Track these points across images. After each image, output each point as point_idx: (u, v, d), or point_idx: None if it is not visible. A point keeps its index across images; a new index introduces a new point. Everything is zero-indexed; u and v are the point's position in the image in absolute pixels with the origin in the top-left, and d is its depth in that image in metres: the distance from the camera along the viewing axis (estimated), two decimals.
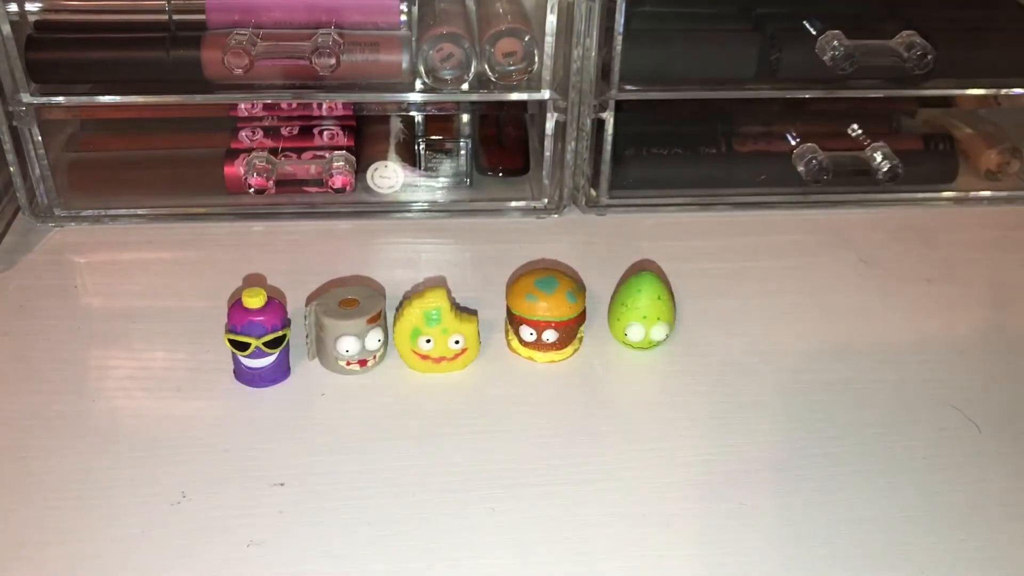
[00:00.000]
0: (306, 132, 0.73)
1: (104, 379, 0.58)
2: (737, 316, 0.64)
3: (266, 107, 0.72)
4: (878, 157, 0.73)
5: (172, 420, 0.55)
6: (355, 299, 0.58)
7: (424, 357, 0.58)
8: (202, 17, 0.67)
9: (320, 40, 0.65)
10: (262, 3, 0.67)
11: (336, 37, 0.66)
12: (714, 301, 0.65)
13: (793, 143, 0.75)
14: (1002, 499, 0.51)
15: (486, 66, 0.68)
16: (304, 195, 0.73)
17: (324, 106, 0.70)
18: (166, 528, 0.48)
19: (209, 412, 0.55)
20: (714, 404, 0.57)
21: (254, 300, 0.55)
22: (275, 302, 0.56)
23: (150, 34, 0.67)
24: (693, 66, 0.71)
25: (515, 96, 0.70)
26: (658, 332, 0.60)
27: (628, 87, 0.70)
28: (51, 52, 0.67)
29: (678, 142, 0.76)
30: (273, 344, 0.56)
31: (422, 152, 0.75)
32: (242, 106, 0.71)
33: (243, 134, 0.73)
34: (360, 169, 0.73)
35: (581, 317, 0.59)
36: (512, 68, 0.68)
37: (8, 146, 0.68)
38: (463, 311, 0.59)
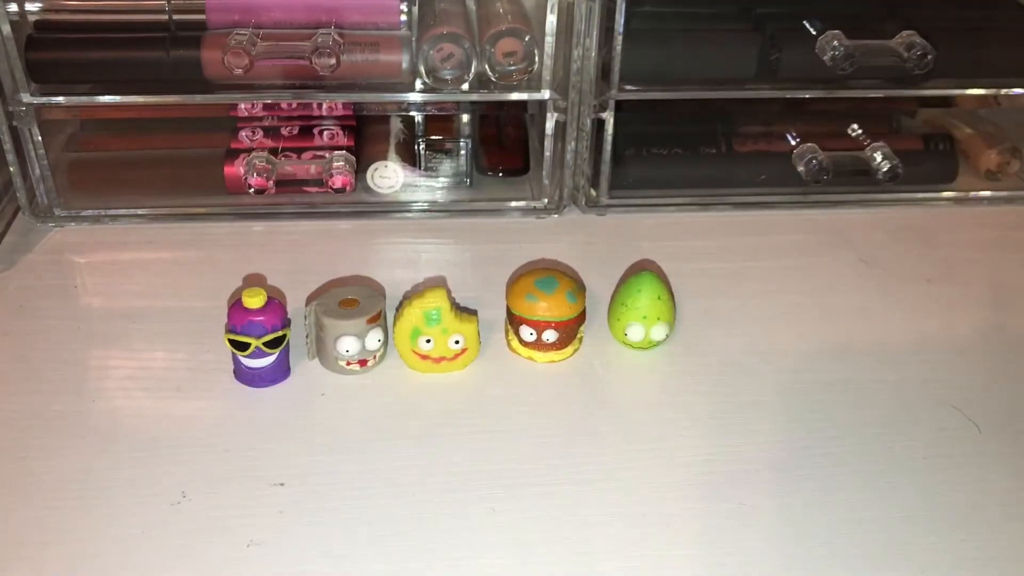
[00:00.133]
0: (306, 132, 0.73)
1: (104, 379, 0.58)
2: (737, 316, 0.64)
3: (266, 107, 0.72)
4: (878, 157, 0.73)
5: (172, 420, 0.55)
6: (355, 299, 0.58)
7: (424, 357, 0.58)
8: (202, 17, 0.67)
9: (320, 40, 0.65)
10: (262, 3, 0.67)
11: (336, 37, 0.66)
12: (714, 301, 0.65)
13: (793, 143, 0.75)
14: (1002, 499, 0.51)
15: (486, 66, 0.68)
16: (304, 195, 0.73)
17: (324, 106, 0.70)
18: (166, 528, 0.48)
19: (209, 412, 0.55)
20: (714, 404, 0.57)
21: (254, 300, 0.55)
22: (275, 302, 0.56)
23: (150, 34, 0.67)
24: (693, 66, 0.71)
25: (515, 96, 0.70)
26: (658, 332, 0.60)
27: (628, 87, 0.70)
28: (51, 52, 0.67)
29: (678, 142, 0.76)
30: (273, 344, 0.56)
31: (422, 152, 0.75)
32: (242, 106, 0.71)
33: (243, 134, 0.73)
34: (360, 169, 0.73)
35: (581, 317, 0.59)
36: (512, 68, 0.68)
37: (8, 146, 0.68)
38: (463, 311, 0.59)
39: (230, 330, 0.55)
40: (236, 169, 0.71)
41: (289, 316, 0.57)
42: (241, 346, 0.55)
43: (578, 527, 0.49)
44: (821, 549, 0.48)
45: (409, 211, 0.74)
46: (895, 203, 0.77)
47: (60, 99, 0.67)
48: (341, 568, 0.46)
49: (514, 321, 0.59)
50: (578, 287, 0.59)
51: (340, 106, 0.70)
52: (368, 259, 0.69)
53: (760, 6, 0.73)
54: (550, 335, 0.58)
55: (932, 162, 0.77)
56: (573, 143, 0.71)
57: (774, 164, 0.75)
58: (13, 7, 0.65)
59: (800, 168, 0.73)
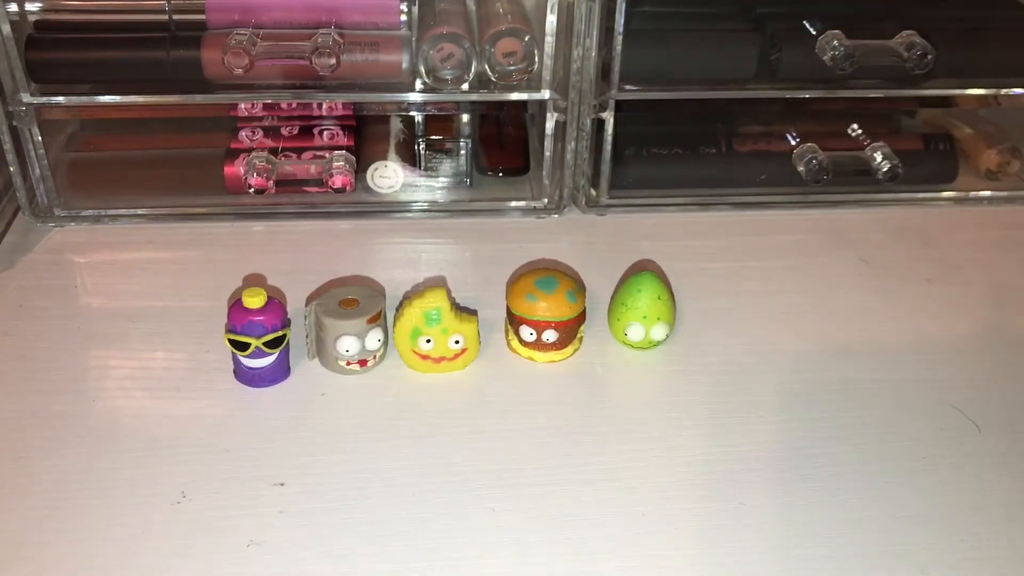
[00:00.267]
0: (306, 132, 0.73)
1: (104, 379, 0.58)
2: (737, 316, 0.64)
3: (266, 107, 0.72)
4: (878, 157, 0.73)
5: (172, 420, 0.55)
6: (355, 299, 0.58)
7: (424, 357, 0.58)
8: (202, 17, 0.67)
9: (320, 40, 0.65)
10: (262, 3, 0.67)
11: (336, 37, 0.66)
12: (714, 301, 0.65)
13: (793, 143, 0.75)
14: (1002, 499, 0.51)
15: (486, 66, 0.68)
16: (304, 195, 0.73)
17: (324, 106, 0.70)
18: (166, 528, 0.48)
19: (209, 412, 0.55)
20: (714, 404, 0.57)
21: (254, 300, 0.55)
22: (275, 302, 0.56)
23: (150, 34, 0.67)
24: (693, 66, 0.71)
25: (515, 96, 0.70)
26: (658, 332, 0.60)
27: (628, 87, 0.70)
28: (51, 52, 0.67)
29: (678, 142, 0.76)
30: (273, 344, 0.56)
31: (422, 152, 0.75)
32: (242, 106, 0.71)
33: (243, 134, 0.73)
34: (360, 169, 0.73)
35: (581, 317, 0.59)
36: (512, 68, 0.68)
37: (8, 146, 0.68)
38: (463, 311, 0.59)
39: (230, 330, 0.55)
40: (236, 169, 0.71)
41: (289, 316, 0.57)
42: (241, 346, 0.55)
43: (578, 527, 0.49)
44: (821, 549, 0.48)
45: (409, 211, 0.74)
46: (895, 203, 0.77)
47: (60, 99, 0.67)
48: (341, 568, 0.46)
49: (514, 321, 0.59)
50: (578, 287, 0.59)
51: (340, 106, 0.70)
52: (368, 259, 0.69)
53: (760, 6, 0.73)
54: (550, 335, 0.58)
55: (932, 162, 0.77)
56: (573, 143, 0.71)
57: (774, 164, 0.75)
58: (13, 7, 0.65)
59: (800, 168, 0.73)
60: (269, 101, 0.70)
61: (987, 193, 0.78)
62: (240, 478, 0.51)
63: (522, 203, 0.75)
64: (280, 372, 0.57)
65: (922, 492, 0.51)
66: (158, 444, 0.53)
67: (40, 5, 0.68)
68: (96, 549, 0.47)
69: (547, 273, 0.59)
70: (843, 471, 0.52)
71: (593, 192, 0.74)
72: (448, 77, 0.68)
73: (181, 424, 0.54)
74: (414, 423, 0.55)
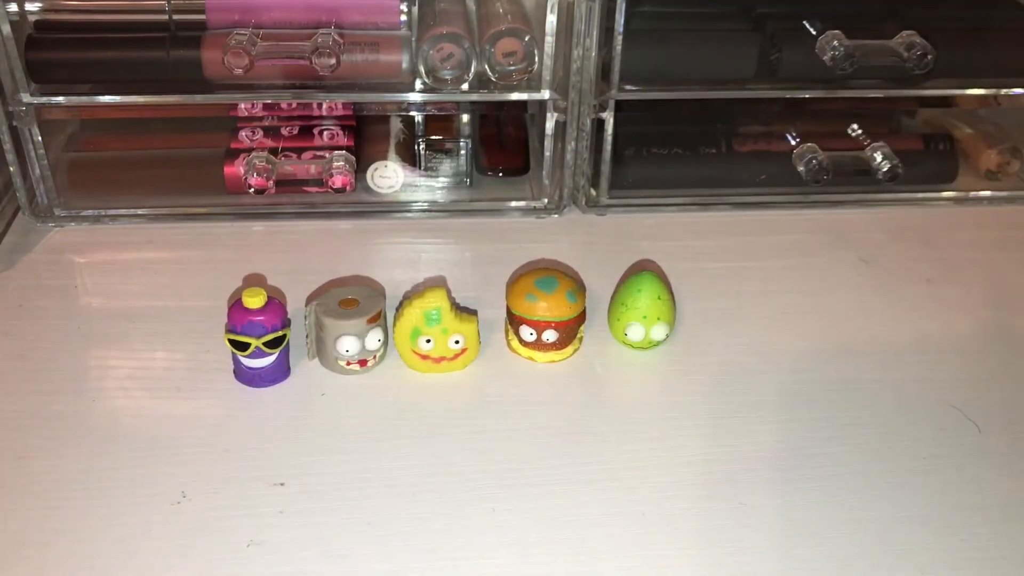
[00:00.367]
0: (306, 132, 0.73)
1: (104, 379, 0.58)
2: (737, 316, 0.64)
3: (266, 107, 0.72)
4: (878, 157, 0.73)
5: (172, 420, 0.55)
6: (355, 299, 0.58)
7: (424, 357, 0.58)
8: (202, 17, 0.67)
9: (320, 40, 0.65)
10: (262, 3, 0.67)
11: (336, 37, 0.66)
12: (714, 301, 0.65)
13: (793, 143, 0.75)
14: (1002, 499, 0.51)
15: (486, 66, 0.68)
16: (304, 195, 0.73)
17: (324, 106, 0.70)
18: (166, 528, 0.48)
19: (209, 412, 0.55)
20: (714, 404, 0.57)
21: (254, 300, 0.55)
22: (275, 302, 0.56)
23: (150, 34, 0.67)
24: (693, 66, 0.71)
25: (515, 96, 0.70)
26: (658, 332, 0.60)
27: (628, 87, 0.70)
28: (51, 52, 0.67)
29: (678, 142, 0.76)
30: (273, 344, 0.56)
31: (422, 152, 0.75)
32: (242, 106, 0.71)
33: (243, 134, 0.73)
34: (360, 169, 0.73)
35: (581, 317, 0.59)
36: (512, 68, 0.68)
37: (8, 146, 0.68)
38: (463, 311, 0.59)
39: (230, 330, 0.55)
40: (236, 169, 0.71)
41: (289, 316, 0.57)
42: (241, 346, 0.55)
43: (578, 527, 0.49)
44: (821, 549, 0.48)
45: (409, 211, 0.74)
46: (895, 203, 0.77)
47: (60, 99, 0.67)
48: (341, 568, 0.46)
49: (514, 321, 0.59)
50: (578, 287, 0.59)
51: (340, 106, 0.70)
52: (368, 259, 0.69)
53: (760, 6, 0.73)
54: (550, 335, 0.58)
55: (932, 162, 0.77)
56: (573, 143, 0.71)
57: (774, 164, 0.75)
58: (13, 7, 0.65)
59: (800, 168, 0.73)
60: (269, 101, 0.70)
61: (987, 193, 0.78)
62: (240, 478, 0.51)
63: (522, 203, 0.75)
64: (280, 372, 0.57)
65: (922, 492, 0.51)
66: (158, 444, 0.53)
67: (40, 5, 0.68)
68: (96, 549, 0.47)
69: (547, 273, 0.59)
70: (843, 471, 0.52)
71: (593, 192, 0.74)
72: (448, 77, 0.68)
73: (181, 424, 0.54)
74: (414, 423, 0.55)
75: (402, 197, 0.74)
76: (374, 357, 0.58)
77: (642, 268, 0.63)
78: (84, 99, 0.68)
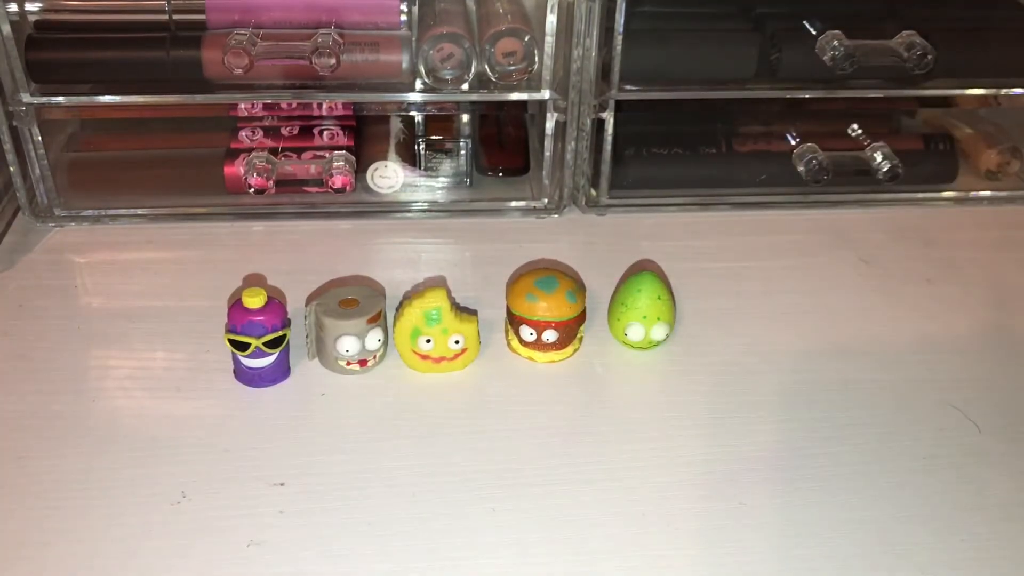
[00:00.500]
0: (306, 132, 0.73)
1: (104, 379, 0.58)
2: (737, 316, 0.64)
3: (266, 107, 0.72)
4: (878, 157, 0.73)
5: (172, 420, 0.55)
6: (355, 299, 0.58)
7: (424, 357, 0.58)
8: (202, 17, 0.67)
9: (320, 40, 0.65)
10: (262, 3, 0.67)
11: (336, 37, 0.66)
12: (714, 301, 0.65)
13: (793, 143, 0.75)
14: (1002, 499, 0.51)
15: (486, 66, 0.68)
16: (304, 195, 0.73)
17: (324, 106, 0.70)
18: (166, 528, 0.48)
19: (209, 412, 0.55)
20: (714, 404, 0.57)
21: (254, 300, 0.55)
22: (275, 302, 0.56)
23: (150, 34, 0.67)
24: (693, 66, 0.71)
25: (515, 96, 0.70)
26: (658, 332, 0.60)
27: (628, 87, 0.70)
28: (51, 52, 0.67)
29: (678, 142, 0.76)
30: (273, 344, 0.56)
31: (422, 152, 0.75)
32: (242, 106, 0.71)
33: (243, 134, 0.73)
34: (360, 169, 0.73)
35: (581, 317, 0.59)
36: (512, 68, 0.68)
37: (8, 146, 0.68)
38: (463, 311, 0.59)
39: (230, 330, 0.55)
40: (236, 169, 0.71)
41: (289, 316, 0.57)
42: (241, 346, 0.55)
43: (578, 527, 0.49)
44: (821, 549, 0.48)
45: (409, 211, 0.74)
46: (895, 203, 0.77)
47: (60, 99, 0.67)
48: (341, 568, 0.46)
49: (514, 321, 0.59)
50: (578, 287, 0.59)
51: (340, 106, 0.70)
52: (368, 259, 0.69)
53: (760, 6, 0.73)
54: (550, 335, 0.58)
55: (932, 162, 0.77)
56: (573, 143, 0.71)
57: (774, 164, 0.75)
58: (13, 7, 0.65)
59: (800, 168, 0.73)
60: (269, 101, 0.70)
61: (987, 193, 0.78)
62: (240, 478, 0.51)
63: (522, 203, 0.75)
64: (280, 372, 0.57)
65: (922, 492, 0.51)
66: (158, 444, 0.53)
67: (40, 5, 0.68)
68: (96, 549, 0.47)
69: (547, 273, 0.59)
70: (843, 471, 0.52)
71: (593, 192, 0.74)
72: (448, 77, 0.68)
73: (181, 424, 0.54)
74: (414, 423, 0.55)
75: (402, 197, 0.74)
76: (374, 357, 0.58)
77: (642, 268, 0.63)
78: (84, 99, 0.68)
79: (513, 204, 0.75)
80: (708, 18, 0.72)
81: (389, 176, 0.74)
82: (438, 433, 0.54)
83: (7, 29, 0.64)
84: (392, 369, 0.59)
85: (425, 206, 0.74)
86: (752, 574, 0.47)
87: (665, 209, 0.75)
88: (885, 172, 0.73)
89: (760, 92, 0.72)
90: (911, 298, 0.66)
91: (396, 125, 0.76)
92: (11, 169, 0.69)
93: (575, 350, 0.60)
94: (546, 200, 0.74)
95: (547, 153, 0.72)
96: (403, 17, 0.68)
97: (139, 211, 0.72)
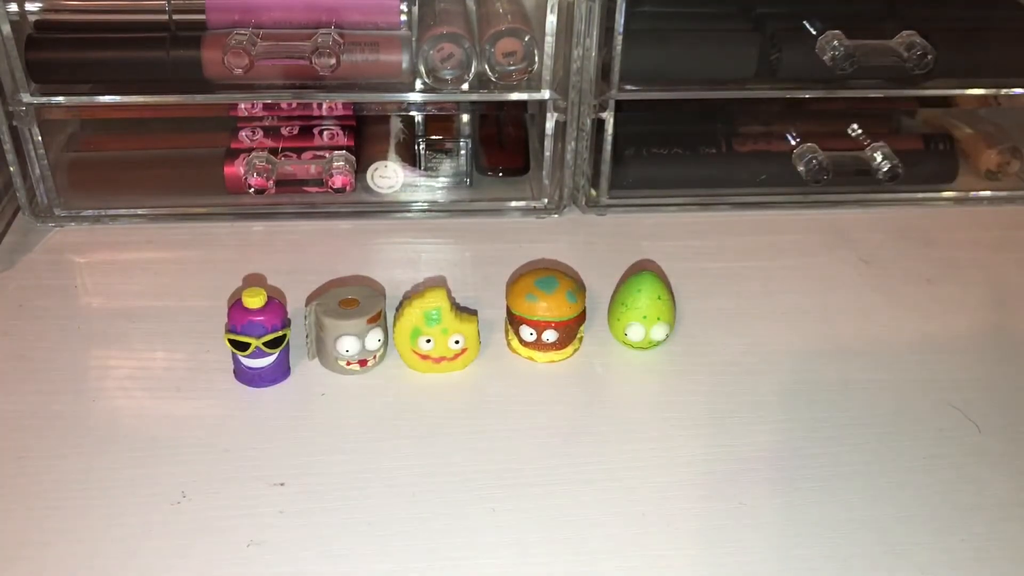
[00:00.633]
0: (306, 132, 0.73)
1: (104, 379, 0.58)
2: (737, 316, 0.64)
3: (266, 107, 0.72)
4: (878, 157, 0.73)
5: (172, 420, 0.55)
6: (355, 299, 0.58)
7: (424, 357, 0.58)
8: (202, 17, 0.67)
9: (320, 40, 0.65)
10: (262, 3, 0.67)
11: (336, 37, 0.66)
12: (714, 301, 0.65)
13: (793, 143, 0.75)
14: (1002, 499, 0.51)
15: (486, 66, 0.68)
16: (304, 195, 0.73)
17: (324, 106, 0.70)
18: (166, 528, 0.48)
19: (209, 412, 0.55)
20: (714, 404, 0.57)
21: (254, 300, 0.55)
22: (275, 302, 0.56)
23: (150, 34, 0.67)
24: (693, 66, 0.71)
25: (515, 96, 0.70)
26: (658, 332, 0.60)
27: (628, 87, 0.70)
28: (51, 52, 0.67)
29: (678, 142, 0.76)
30: (273, 344, 0.56)
31: (422, 152, 0.75)
32: (242, 106, 0.71)
33: (243, 134, 0.73)
34: (360, 169, 0.73)
35: (581, 317, 0.59)
36: (512, 68, 0.68)
37: (8, 146, 0.68)
38: (463, 311, 0.59)
39: (230, 330, 0.55)
40: (236, 169, 0.71)
41: (289, 316, 0.57)
42: (241, 346, 0.55)
43: (578, 527, 0.49)
44: (821, 549, 0.48)
45: (409, 211, 0.74)
46: (895, 203, 0.77)
47: (60, 99, 0.67)
48: (341, 568, 0.46)
49: (514, 321, 0.59)
50: (578, 287, 0.59)
51: (340, 106, 0.70)
52: (368, 259, 0.69)
53: (760, 6, 0.73)
54: (550, 335, 0.58)
55: (932, 162, 0.77)
56: (573, 143, 0.71)
57: (774, 164, 0.75)
58: (13, 7, 0.65)
59: (800, 168, 0.73)
60: (269, 101, 0.70)
61: (987, 193, 0.78)
62: (240, 478, 0.51)
63: (522, 203, 0.75)
64: (280, 372, 0.57)
65: (922, 492, 0.51)
66: (158, 444, 0.53)
67: (40, 5, 0.68)
68: (96, 549, 0.47)
69: (547, 273, 0.59)
70: (843, 471, 0.52)
71: (593, 192, 0.74)
72: (448, 77, 0.68)
73: (181, 424, 0.54)
74: (414, 423, 0.55)
75: (402, 197, 0.74)
76: (374, 357, 0.58)
77: (642, 268, 0.63)
78: (84, 99, 0.68)
79: (513, 204, 0.75)
80: (708, 18, 0.72)
81: (389, 176, 0.74)
82: (438, 433, 0.54)
83: (7, 29, 0.64)
84: (392, 369, 0.59)
85: (425, 206, 0.74)
86: (752, 574, 0.47)
87: (665, 209, 0.75)
88: (885, 172, 0.73)
89: (760, 92, 0.72)
90: (911, 298, 0.66)
91: (396, 125, 0.76)
92: (11, 169, 0.69)
93: (575, 350, 0.60)
94: (546, 200, 0.74)
95: (547, 153, 0.72)
96: (403, 17, 0.68)
97: (139, 211, 0.72)
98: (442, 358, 0.58)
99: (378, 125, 0.76)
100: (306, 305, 0.60)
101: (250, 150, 0.71)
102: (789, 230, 0.74)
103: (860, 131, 0.76)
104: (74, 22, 0.69)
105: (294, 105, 0.71)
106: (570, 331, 0.59)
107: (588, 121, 0.70)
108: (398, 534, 0.48)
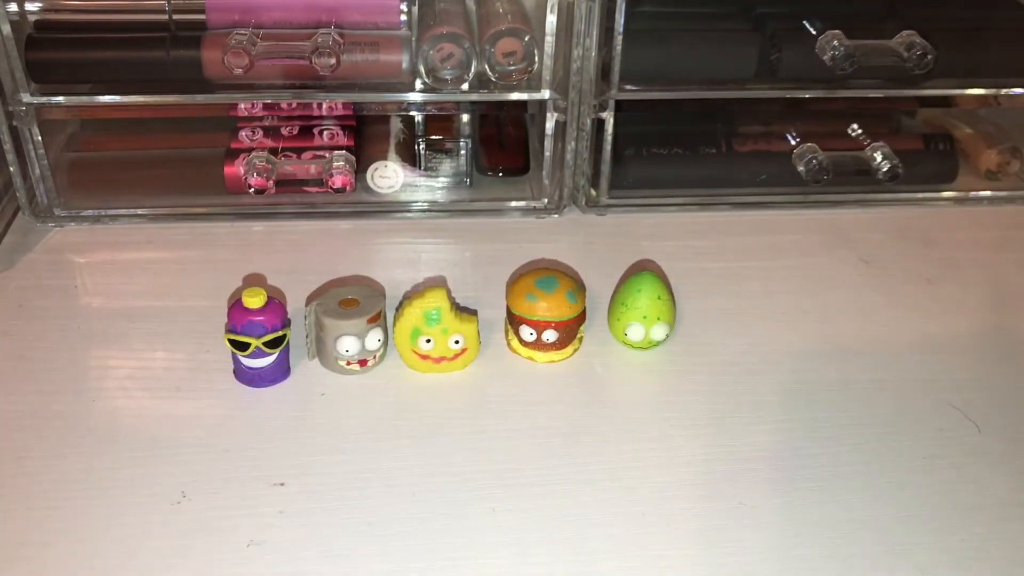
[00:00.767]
0: (306, 132, 0.73)
1: (104, 379, 0.58)
2: (737, 316, 0.64)
3: (266, 107, 0.72)
4: (878, 157, 0.73)
5: (172, 420, 0.55)
6: (355, 299, 0.58)
7: (424, 357, 0.58)
8: (202, 17, 0.67)
9: (320, 40, 0.65)
10: (262, 3, 0.67)
11: (336, 37, 0.66)
12: (714, 301, 0.65)
13: (793, 143, 0.75)
14: (1001, 499, 0.51)
15: (486, 66, 0.68)
16: (304, 195, 0.73)
17: (324, 106, 0.70)
18: (166, 528, 0.48)
19: (209, 412, 0.55)
20: (714, 404, 0.57)
21: (254, 300, 0.55)
22: (275, 302, 0.56)
23: (150, 34, 0.67)
24: (693, 66, 0.71)
25: (515, 96, 0.70)
26: (658, 332, 0.60)
27: (628, 87, 0.70)
28: (51, 52, 0.67)
29: (678, 142, 0.76)
30: (273, 344, 0.56)
31: (422, 152, 0.75)
32: (242, 106, 0.71)
33: (243, 134, 0.73)
34: (360, 169, 0.73)
35: (581, 317, 0.59)
36: (512, 68, 0.68)
37: (8, 146, 0.68)
38: (463, 311, 0.59)
39: (230, 330, 0.55)
40: (236, 169, 0.71)
41: (289, 316, 0.57)
42: (241, 346, 0.55)
43: (578, 527, 0.49)
44: (821, 549, 0.48)
45: (409, 211, 0.74)
46: (895, 203, 0.77)
47: (60, 99, 0.67)
48: (341, 568, 0.46)
49: (514, 321, 0.59)
50: (578, 287, 0.59)
51: (340, 106, 0.70)
52: (368, 259, 0.69)
53: (760, 6, 0.73)
54: (550, 335, 0.58)
55: (932, 162, 0.77)
56: (573, 143, 0.71)
57: (774, 164, 0.75)
58: (13, 7, 0.65)
59: (800, 168, 0.73)
60: (269, 101, 0.70)
61: (987, 193, 0.78)
62: (240, 478, 0.51)
63: (522, 203, 0.75)
64: (280, 372, 0.57)
65: (922, 492, 0.51)
66: (158, 444, 0.53)
67: (40, 5, 0.68)
68: (96, 549, 0.47)
69: (547, 273, 0.59)
70: (843, 471, 0.52)
71: (593, 192, 0.74)
72: (448, 77, 0.68)
73: (181, 424, 0.54)
74: (414, 423, 0.55)
75: (402, 197, 0.74)
76: (374, 357, 0.58)
77: (642, 268, 0.63)
78: (84, 99, 0.68)
79: (513, 204, 0.75)
80: (708, 18, 0.72)
81: (389, 176, 0.74)
82: (438, 433, 0.54)
83: (7, 29, 0.64)
84: (392, 369, 0.59)
85: (425, 206, 0.74)
86: (752, 574, 0.47)
87: (665, 209, 0.75)
88: (885, 172, 0.73)
89: (760, 92, 0.72)
90: (911, 298, 0.66)
91: (396, 125, 0.76)
92: (11, 169, 0.69)
93: (575, 350, 0.60)
94: (546, 200, 0.74)
95: (547, 153, 0.72)
96: (403, 17, 0.68)
97: (139, 211, 0.72)
98: (442, 358, 0.58)
99: (378, 125, 0.76)
100: (306, 305, 0.60)
101: (250, 150, 0.71)
102: (789, 230, 0.74)
103: (860, 131, 0.76)
104: (74, 22, 0.69)
105: (294, 105, 0.71)
106: (570, 331, 0.59)
107: (588, 121, 0.70)
108: (398, 534, 0.48)
